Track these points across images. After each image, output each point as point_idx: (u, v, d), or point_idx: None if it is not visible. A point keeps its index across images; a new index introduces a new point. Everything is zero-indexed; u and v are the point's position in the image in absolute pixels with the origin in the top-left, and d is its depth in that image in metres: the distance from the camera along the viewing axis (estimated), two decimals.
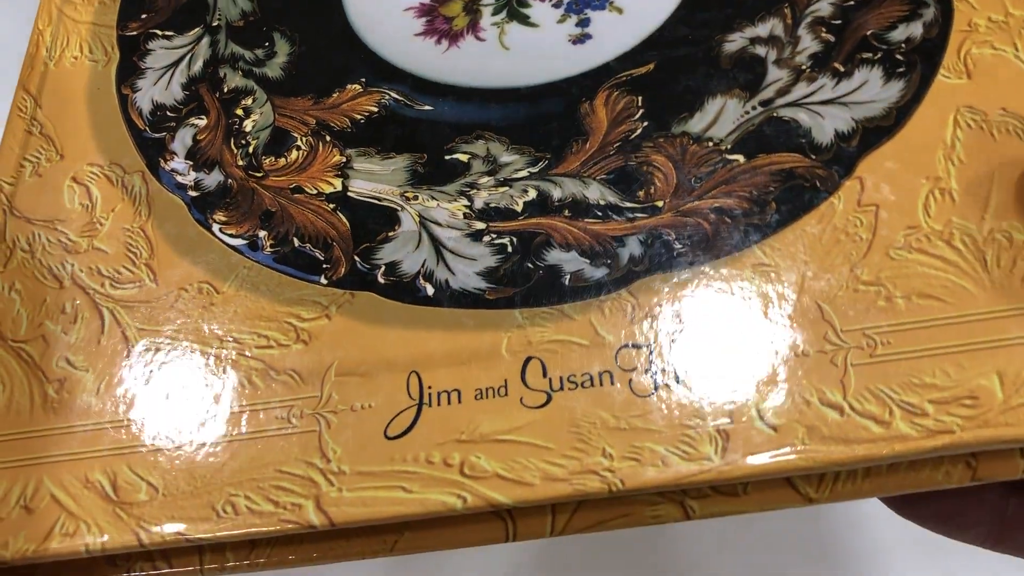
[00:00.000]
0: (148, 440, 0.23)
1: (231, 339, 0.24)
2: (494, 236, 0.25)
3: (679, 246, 0.24)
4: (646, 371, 0.22)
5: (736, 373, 0.22)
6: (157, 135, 0.28)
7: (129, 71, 0.30)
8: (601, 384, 0.22)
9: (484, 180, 0.26)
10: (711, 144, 0.25)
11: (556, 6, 0.29)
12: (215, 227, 0.26)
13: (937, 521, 0.25)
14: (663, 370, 0.22)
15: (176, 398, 0.23)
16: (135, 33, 0.31)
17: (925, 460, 0.22)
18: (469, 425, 0.22)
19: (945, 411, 0.21)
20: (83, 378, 0.24)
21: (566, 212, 0.25)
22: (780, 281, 0.23)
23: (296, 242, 0.25)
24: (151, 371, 0.24)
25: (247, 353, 0.24)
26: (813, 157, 0.24)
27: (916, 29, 0.26)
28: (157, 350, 0.24)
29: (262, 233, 0.26)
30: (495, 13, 0.29)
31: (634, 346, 0.23)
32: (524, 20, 0.29)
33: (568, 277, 0.24)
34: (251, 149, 0.27)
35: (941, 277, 0.22)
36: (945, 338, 0.22)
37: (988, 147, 0.24)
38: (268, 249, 0.25)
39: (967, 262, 0.23)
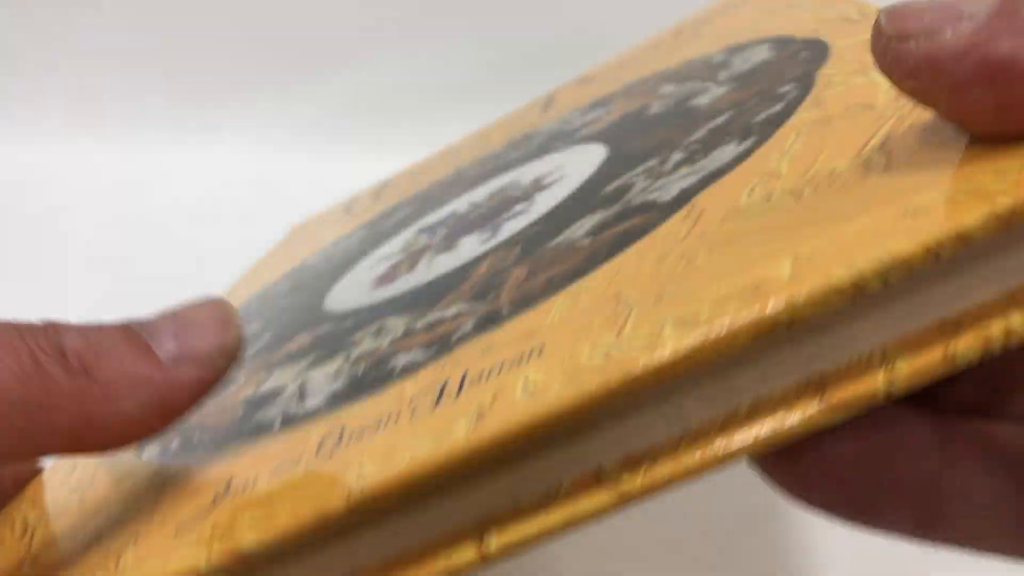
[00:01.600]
0: None
1: None
2: None
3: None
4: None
5: None
6: None
7: None
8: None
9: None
10: (563, 244, 0.24)
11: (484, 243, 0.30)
12: None
13: (848, 505, 0.17)
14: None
15: None
16: None
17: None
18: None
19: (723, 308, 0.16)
20: None
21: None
22: (589, 293, 0.20)
23: None
24: None
25: None
26: (655, 212, 0.23)
27: (777, 106, 0.25)
28: None
29: None
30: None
31: None
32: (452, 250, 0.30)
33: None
34: None
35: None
36: None
37: (824, 130, 0.21)
38: None
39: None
